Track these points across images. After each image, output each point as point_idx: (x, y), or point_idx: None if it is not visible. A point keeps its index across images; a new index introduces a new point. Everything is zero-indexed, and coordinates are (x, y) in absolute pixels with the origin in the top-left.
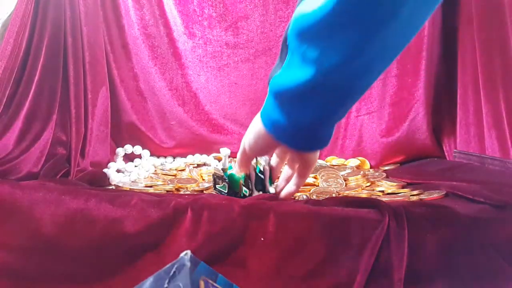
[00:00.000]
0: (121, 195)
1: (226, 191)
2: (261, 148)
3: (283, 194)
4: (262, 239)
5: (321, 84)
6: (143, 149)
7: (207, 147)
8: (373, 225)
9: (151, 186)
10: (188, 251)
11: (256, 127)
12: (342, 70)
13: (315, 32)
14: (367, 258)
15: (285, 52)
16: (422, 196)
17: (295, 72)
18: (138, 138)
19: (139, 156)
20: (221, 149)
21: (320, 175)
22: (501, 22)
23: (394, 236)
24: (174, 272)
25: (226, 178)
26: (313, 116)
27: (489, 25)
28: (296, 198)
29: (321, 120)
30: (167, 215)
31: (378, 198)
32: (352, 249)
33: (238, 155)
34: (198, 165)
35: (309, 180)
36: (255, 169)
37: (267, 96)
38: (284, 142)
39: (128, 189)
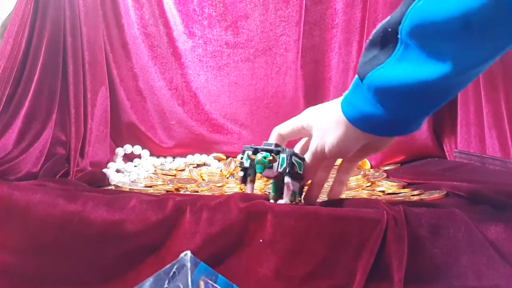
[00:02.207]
0: (119, 197)
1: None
2: (348, 148)
3: (334, 195)
4: (260, 240)
5: (446, 82)
6: (142, 149)
7: (207, 147)
8: (372, 225)
9: (150, 186)
10: (188, 252)
11: (338, 127)
12: (473, 71)
13: (458, 28)
14: (366, 259)
15: (388, 44)
16: (423, 196)
17: (416, 68)
18: (137, 138)
19: (139, 156)
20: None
21: None
22: None
23: (394, 236)
24: (174, 272)
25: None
26: (419, 111)
27: None
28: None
29: (426, 113)
30: (166, 217)
31: (378, 198)
32: (351, 250)
33: (310, 160)
34: (198, 165)
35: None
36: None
37: (353, 90)
38: (378, 133)
39: (128, 189)
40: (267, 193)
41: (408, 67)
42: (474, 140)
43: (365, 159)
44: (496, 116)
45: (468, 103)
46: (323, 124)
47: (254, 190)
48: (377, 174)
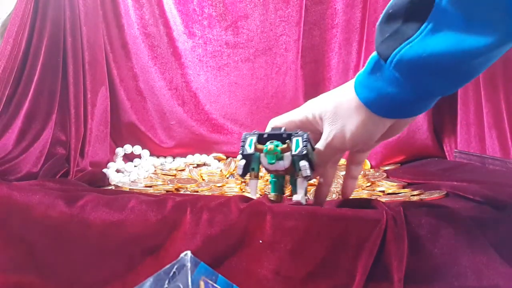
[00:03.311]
0: (119, 198)
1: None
2: (372, 134)
3: (349, 192)
4: (260, 241)
5: (488, 54)
6: (142, 149)
7: (207, 147)
8: (371, 225)
9: (150, 186)
10: (188, 252)
11: (358, 113)
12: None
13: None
14: (365, 259)
15: (415, 16)
16: (423, 196)
17: (458, 37)
18: (137, 138)
19: (139, 156)
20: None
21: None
22: None
23: (393, 236)
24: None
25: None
26: (446, 87)
27: None
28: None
29: (453, 89)
30: (165, 218)
31: (378, 198)
32: (351, 250)
33: (324, 152)
34: (198, 165)
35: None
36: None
37: (369, 72)
38: (399, 115)
39: (128, 189)
40: (267, 193)
41: (447, 38)
42: (474, 140)
43: (366, 159)
44: (496, 116)
45: (468, 103)
46: (340, 112)
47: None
48: (377, 174)
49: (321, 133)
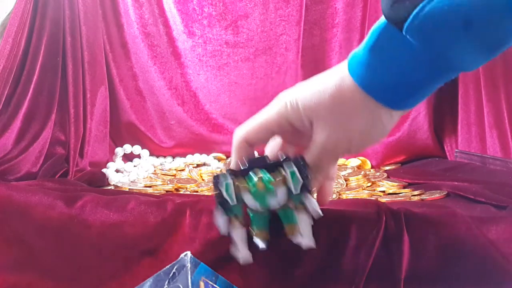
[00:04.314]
0: (118, 198)
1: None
2: (383, 134)
3: (328, 197)
4: None
5: None
6: (142, 148)
7: (207, 147)
8: (370, 225)
9: (150, 186)
10: (188, 252)
11: (364, 112)
12: None
13: None
14: (364, 259)
15: None
16: (424, 196)
17: None
18: (137, 137)
19: (138, 156)
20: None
21: None
22: None
23: (393, 237)
24: (174, 273)
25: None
26: (474, 53)
27: None
28: None
29: (476, 61)
30: (165, 220)
31: (378, 198)
32: (350, 250)
33: (322, 163)
34: (198, 165)
35: None
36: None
37: (368, 52)
38: (413, 103)
39: (127, 189)
40: (253, 228)
41: None
42: (475, 140)
43: (366, 159)
44: (497, 116)
45: (469, 103)
46: (340, 109)
47: None
48: (378, 174)
49: (307, 136)
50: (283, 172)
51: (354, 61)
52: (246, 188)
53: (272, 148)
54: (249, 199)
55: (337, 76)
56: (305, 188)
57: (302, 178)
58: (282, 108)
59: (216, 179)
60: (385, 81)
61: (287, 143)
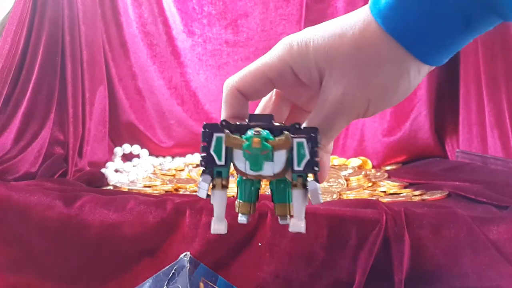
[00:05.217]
0: (117, 199)
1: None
2: (404, 94)
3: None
4: (259, 244)
5: None
6: (141, 148)
7: None
8: (370, 225)
9: (149, 186)
10: (188, 252)
11: (392, 65)
12: None
13: None
14: (365, 259)
15: None
16: (425, 197)
17: None
18: (136, 137)
19: (138, 156)
20: None
21: None
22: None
23: (393, 237)
24: (173, 273)
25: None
26: None
27: None
28: None
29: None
30: (164, 220)
31: (379, 198)
32: (350, 250)
33: (334, 127)
34: (197, 165)
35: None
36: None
37: None
38: (447, 55)
39: (127, 189)
40: (238, 201)
41: None
42: (476, 140)
43: (367, 159)
44: (498, 116)
45: (470, 103)
46: (364, 58)
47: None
48: (379, 174)
49: (310, 93)
50: (290, 139)
51: (380, 2)
52: (238, 143)
53: (264, 106)
54: (239, 158)
55: (359, 19)
56: (310, 167)
57: (310, 154)
58: (285, 52)
59: (207, 129)
60: (418, 26)
61: (283, 101)
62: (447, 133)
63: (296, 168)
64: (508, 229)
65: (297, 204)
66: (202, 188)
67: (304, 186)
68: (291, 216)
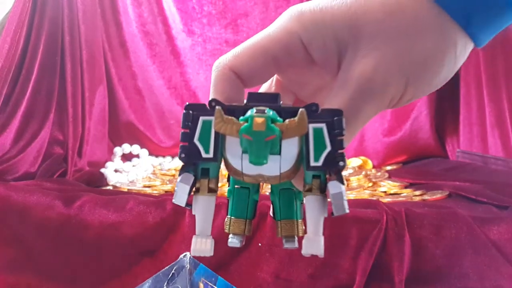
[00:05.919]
0: (116, 199)
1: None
2: (450, 73)
3: None
4: (259, 244)
5: None
6: (141, 148)
7: None
8: (370, 226)
9: (149, 187)
10: (187, 253)
11: (437, 36)
12: None
13: None
14: (365, 259)
15: None
16: (425, 197)
17: None
18: (136, 137)
19: (137, 156)
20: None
21: None
22: None
23: (393, 237)
24: (173, 274)
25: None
26: None
27: None
28: None
29: None
30: (164, 220)
31: (380, 198)
32: (350, 250)
33: (358, 114)
34: None
35: None
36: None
37: None
38: (497, 29)
39: (126, 189)
40: (228, 217)
41: None
42: (477, 140)
43: (367, 159)
44: (499, 116)
45: (470, 103)
46: (397, 33)
47: None
48: (379, 174)
49: (322, 74)
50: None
51: None
52: (234, 127)
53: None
54: (233, 150)
55: None
56: (332, 162)
57: (332, 145)
58: (293, 21)
59: (191, 110)
60: None
61: (284, 93)
62: (447, 133)
63: (312, 163)
64: (509, 229)
65: (313, 215)
66: (181, 192)
67: (323, 190)
68: (300, 237)
